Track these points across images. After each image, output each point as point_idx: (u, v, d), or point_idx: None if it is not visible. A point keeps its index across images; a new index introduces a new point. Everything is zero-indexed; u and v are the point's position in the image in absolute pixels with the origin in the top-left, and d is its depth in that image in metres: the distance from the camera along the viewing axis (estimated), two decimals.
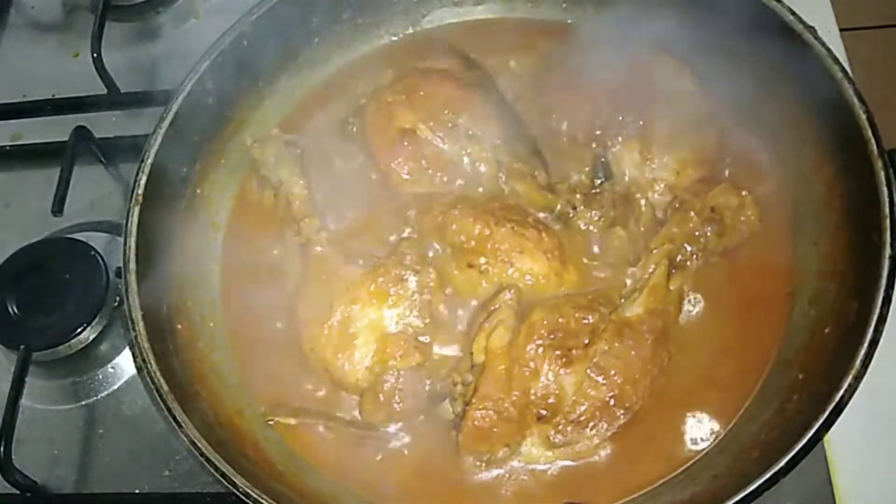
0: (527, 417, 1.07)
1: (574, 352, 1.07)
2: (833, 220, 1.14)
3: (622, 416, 1.07)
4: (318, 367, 1.14)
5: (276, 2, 1.28)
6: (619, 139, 1.21)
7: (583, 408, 1.07)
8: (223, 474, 0.98)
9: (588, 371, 1.07)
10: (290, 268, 1.22)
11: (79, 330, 1.26)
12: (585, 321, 1.09)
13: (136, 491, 1.19)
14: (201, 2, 1.64)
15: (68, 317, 1.26)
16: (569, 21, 1.41)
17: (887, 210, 1.03)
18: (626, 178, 1.20)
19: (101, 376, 1.29)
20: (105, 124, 1.45)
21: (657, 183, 1.19)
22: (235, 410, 1.15)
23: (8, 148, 1.52)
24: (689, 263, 1.16)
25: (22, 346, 1.23)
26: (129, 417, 1.26)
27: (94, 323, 1.26)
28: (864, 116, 1.07)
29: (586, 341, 1.08)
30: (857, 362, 0.97)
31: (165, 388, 1.04)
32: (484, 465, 1.09)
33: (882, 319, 0.98)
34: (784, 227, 1.19)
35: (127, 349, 1.29)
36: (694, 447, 1.09)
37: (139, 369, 1.23)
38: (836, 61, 1.11)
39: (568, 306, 1.10)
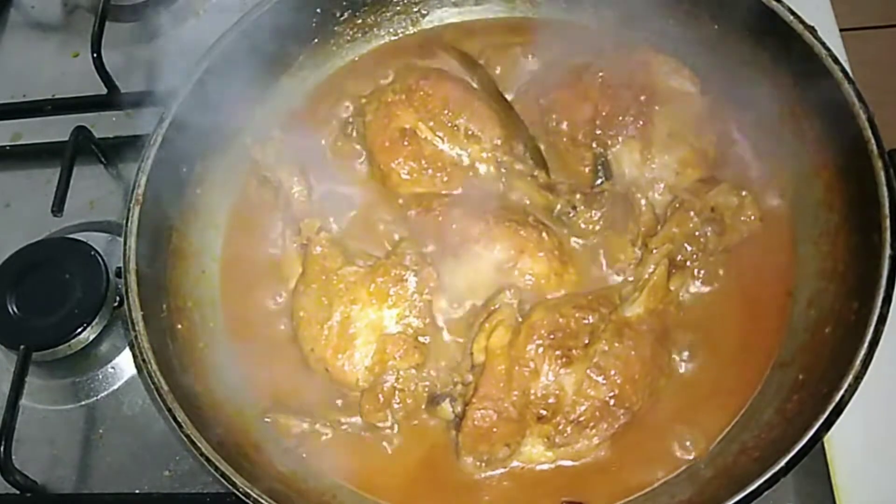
0: (527, 417, 1.07)
1: (574, 352, 1.07)
2: (833, 220, 1.14)
3: (622, 416, 1.07)
4: (317, 367, 1.14)
5: (275, 2, 1.28)
6: (619, 139, 1.21)
7: (583, 408, 1.06)
8: (223, 474, 0.99)
9: (588, 371, 1.07)
10: (289, 268, 1.22)
11: (79, 330, 1.26)
12: (585, 321, 1.09)
13: (136, 491, 1.20)
14: (201, 2, 1.64)
15: (68, 317, 1.27)
16: (569, 21, 1.41)
17: (887, 210, 1.03)
18: (626, 178, 1.20)
19: (101, 376, 1.29)
20: (105, 124, 1.46)
21: (657, 183, 1.19)
22: (235, 410, 1.15)
23: (8, 148, 1.52)
24: (688, 263, 1.16)
25: (22, 346, 1.23)
26: (129, 417, 1.26)
27: (94, 323, 1.27)
28: (864, 116, 1.07)
29: (586, 341, 1.08)
30: (857, 362, 0.97)
31: (165, 388, 1.04)
32: (484, 465, 1.09)
33: (882, 319, 0.98)
34: (784, 227, 1.19)
35: (127, 349, 1.29)
36: (694, 447, 1.09)
37: (139, 369, 1.24)
38: (836, 61, 1.11)
39: (568, 306, 1.10)
